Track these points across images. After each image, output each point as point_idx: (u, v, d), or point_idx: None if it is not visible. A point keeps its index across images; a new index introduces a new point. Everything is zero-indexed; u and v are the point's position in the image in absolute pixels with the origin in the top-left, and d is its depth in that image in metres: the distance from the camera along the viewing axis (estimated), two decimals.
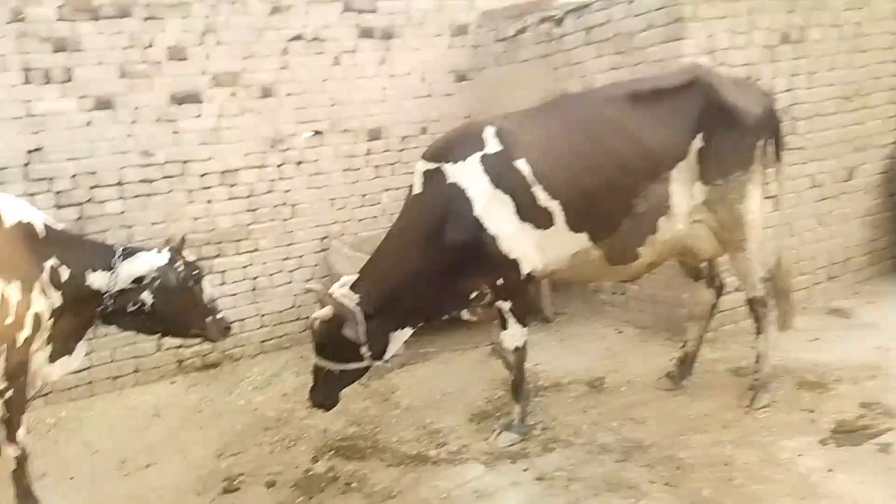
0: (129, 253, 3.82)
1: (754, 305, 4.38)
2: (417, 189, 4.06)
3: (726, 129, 4.04)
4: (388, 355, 4.17)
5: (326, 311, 3.89)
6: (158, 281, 3.78)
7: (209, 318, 4.00)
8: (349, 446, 4.39)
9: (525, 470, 3.89)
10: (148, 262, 3.81)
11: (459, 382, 5.21)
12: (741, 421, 4.19)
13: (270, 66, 6.14)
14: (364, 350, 3.94)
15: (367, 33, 6.51)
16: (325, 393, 4.10)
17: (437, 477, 3.94)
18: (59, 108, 5.44)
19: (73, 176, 5.50)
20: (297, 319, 6.31)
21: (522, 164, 3.88)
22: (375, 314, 3.94)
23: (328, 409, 4.20)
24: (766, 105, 4.23)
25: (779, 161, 4.42)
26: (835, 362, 4.82)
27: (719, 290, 4.65)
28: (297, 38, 6.22)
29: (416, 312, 4.13)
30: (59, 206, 5.42)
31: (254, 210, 6.19)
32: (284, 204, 6.31)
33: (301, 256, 6.41)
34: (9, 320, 3.40)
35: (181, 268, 3.86)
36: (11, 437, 3.56)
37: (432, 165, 4.00)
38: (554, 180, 3.88)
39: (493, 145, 3.91)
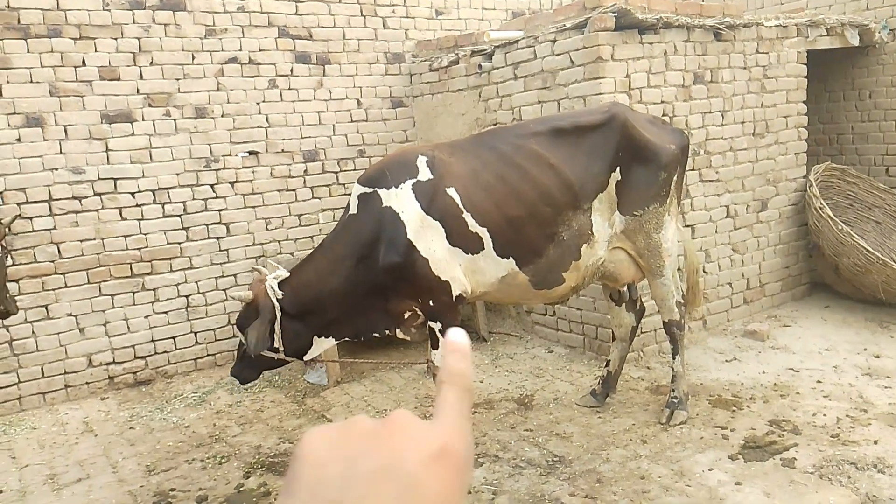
0: None
1: (670, 328, 4.59)
2: (353, 210, 4.13)
3: (641, 164, 4.25)
4: (307, 357, 4.24)
5: (248, 294, 4.00)
6: None
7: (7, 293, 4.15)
8: (281, 462, 4.42)
9: None
10: None
11: (394, 399, 5.29)
12: (658, 437, 4.37)
13: (204, 86, 6.16)
14: (278, 344, 4.02)
15: (302, 58, 6.58)
16: (243, 368, 4.18)
17: None
18: None
19: (1, 192, 5.41)
20: (232, 337, 6.28)
21: (452, 192, 3.99)
22: (297, 316, 4.03)
23: (244, 383, 4.27)
24: (680, 142, 4.43)
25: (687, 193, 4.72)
26: (748, 382, 5.07)
27: (640, 314, 4.83)
28: (232, 60, 6.26)
29: (341, 325, 4.18)
30: None
31: (187, 228, 6.16)
32: (219, 222, 6.30)
33: (236, 275, 6.40)
34: None
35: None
36: None
37: (368, 189, 4.08)
38: (481, 208, 4.00)
39: (425, 173, 4.04)
